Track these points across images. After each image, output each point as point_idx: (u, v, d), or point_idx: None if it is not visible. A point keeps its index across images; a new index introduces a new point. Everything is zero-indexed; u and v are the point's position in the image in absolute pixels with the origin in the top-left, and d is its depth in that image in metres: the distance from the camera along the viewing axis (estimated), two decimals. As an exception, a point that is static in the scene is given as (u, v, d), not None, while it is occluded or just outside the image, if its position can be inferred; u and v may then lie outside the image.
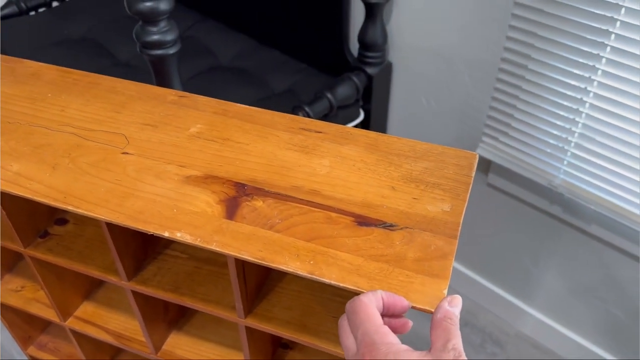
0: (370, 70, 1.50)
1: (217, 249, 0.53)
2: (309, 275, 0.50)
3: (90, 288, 0.97)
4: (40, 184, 0.61)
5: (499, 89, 1.30)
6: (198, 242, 0.53)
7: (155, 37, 0.97)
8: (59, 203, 0.58)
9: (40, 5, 1.92)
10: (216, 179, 0.61)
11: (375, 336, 0.40)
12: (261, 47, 1.75)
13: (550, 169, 1.30)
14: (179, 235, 0.54)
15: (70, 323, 0.94)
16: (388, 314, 0.44)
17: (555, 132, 1.23)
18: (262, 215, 0.56)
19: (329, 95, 1.44)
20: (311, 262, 0.51)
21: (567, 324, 1.62)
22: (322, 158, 0.63)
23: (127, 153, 0.65)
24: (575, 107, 1.16)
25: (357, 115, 1.59)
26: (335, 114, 1.46)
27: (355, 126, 1.51)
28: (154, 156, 0.64)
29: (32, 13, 1.92)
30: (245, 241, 0.54)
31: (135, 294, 0.76)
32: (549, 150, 1.27)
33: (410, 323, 0.45)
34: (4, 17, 1.85)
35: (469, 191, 0.58)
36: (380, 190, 0.59)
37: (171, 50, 0.99)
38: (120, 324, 0.93)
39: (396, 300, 0.44)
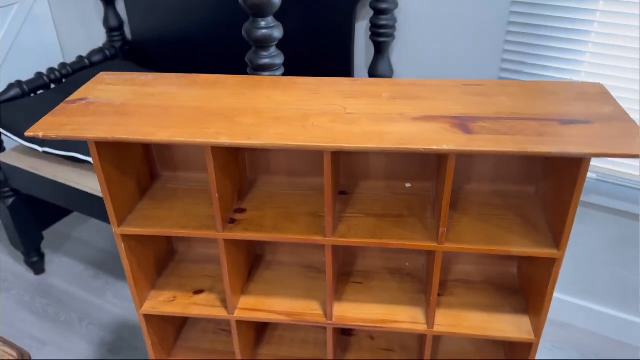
0: (381, 100, 1.74)
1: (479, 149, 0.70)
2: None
3: (246, 283, 1.06)
4: (308, 135, 0.75)
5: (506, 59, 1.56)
6: (461, 147, 0.70)
7: (266, 61, 1.13)
8: (341, 144, 0.73)
9: (41, 87, 1.99)
10: (434, 117, 0.78)
11: None
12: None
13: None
14: (445, 147, 0.71)
15: (239, 314, 1.01)
16: None
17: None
18: (493, 130, 0.75)
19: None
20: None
21: (577, 294, 1.87)
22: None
23: (351, 113, 0.81)
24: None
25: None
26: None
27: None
28: (376, 111, 0.81)
29: (32, 95, 1.97)
30: (495, 142, 0.72)
31: (335, 247, 0.88)
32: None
33: None
34: (9, 100, 1.89)
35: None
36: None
37: (278, 72, 1.16)
38: (284, 305, 1.02)
39: None
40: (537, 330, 0.95)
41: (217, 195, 0.86)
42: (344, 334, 1.20)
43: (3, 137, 1.93)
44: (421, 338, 1.13)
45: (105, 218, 1.74)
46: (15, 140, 1.84)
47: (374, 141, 0.73)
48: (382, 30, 1.62)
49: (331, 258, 0.91)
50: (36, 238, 2.11)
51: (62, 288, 2.15)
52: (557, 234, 0.85)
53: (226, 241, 0.92)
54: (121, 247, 0.94)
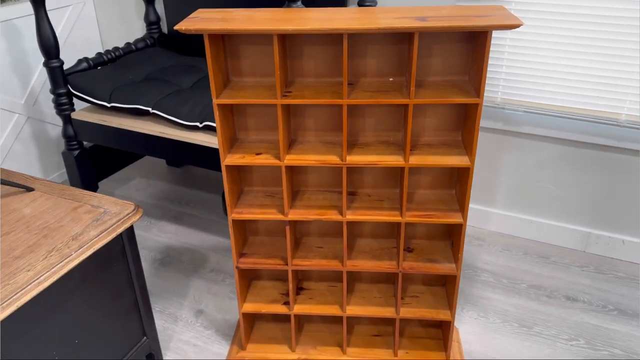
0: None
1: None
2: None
3: (288, 150, 1.64)
4: (336, 25, 1.35)
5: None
6: (422, 25, 1.32)
7: (294, 12, 1.74)
8: (356, 26, 1.33)
9: (101, 64, 2.56)
10: (405, 17, 1.40)
11: None
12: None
13: (491, 93, 2.23)
14: (413, 25, 1.32)
15: (287, 163, 1.59)
16: None
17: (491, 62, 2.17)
18: (439, 20, 1.36)
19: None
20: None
21: (517, 209, 2.49)
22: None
23: (358, 18, 1.42)
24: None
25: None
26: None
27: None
28: (372, 16, 1.42)
29: (95, 69, 2.53)
30: (441, 24, 1.33)
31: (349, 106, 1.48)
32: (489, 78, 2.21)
33: None
34: (80, 70, 2.46)
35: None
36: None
37: (301, 20, 1.77)
38: (315, 158, 1.60)
39: None
40: (472, 161, 1.55)
41: (278, 72, 1.45)
42: (350, 194, 1.78)
43: (74, 100, 2.49)
44: (401, 192, 1.71)
45: (162, 154, 2.30)
46: (87, 101, 2.40)
47: (373, 25, 1.34)
48: (367, 3, 2.26)
49: (346, 115, 1.51)
50: (93, 187, 2.64)
51: (113, 227, 2.66)
52: (478, 90, 1.46)
53: (282, 106, 1.51)
54: (217, 114, 1.52)
